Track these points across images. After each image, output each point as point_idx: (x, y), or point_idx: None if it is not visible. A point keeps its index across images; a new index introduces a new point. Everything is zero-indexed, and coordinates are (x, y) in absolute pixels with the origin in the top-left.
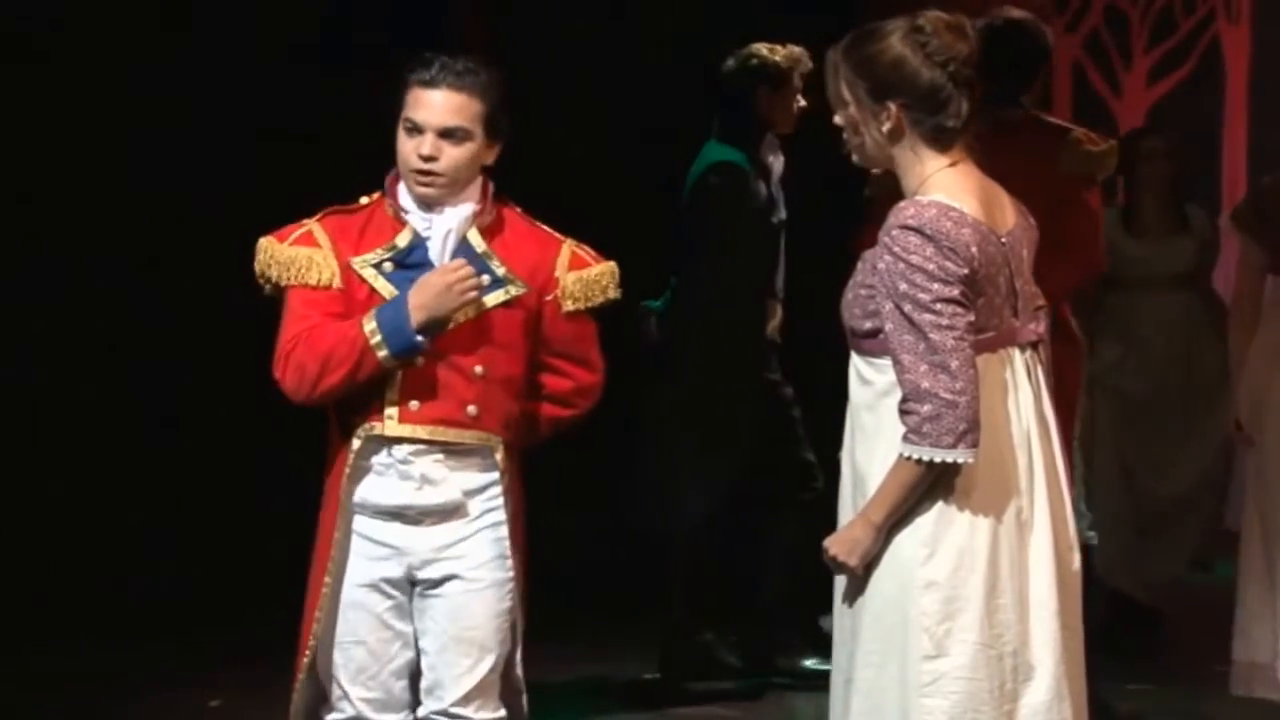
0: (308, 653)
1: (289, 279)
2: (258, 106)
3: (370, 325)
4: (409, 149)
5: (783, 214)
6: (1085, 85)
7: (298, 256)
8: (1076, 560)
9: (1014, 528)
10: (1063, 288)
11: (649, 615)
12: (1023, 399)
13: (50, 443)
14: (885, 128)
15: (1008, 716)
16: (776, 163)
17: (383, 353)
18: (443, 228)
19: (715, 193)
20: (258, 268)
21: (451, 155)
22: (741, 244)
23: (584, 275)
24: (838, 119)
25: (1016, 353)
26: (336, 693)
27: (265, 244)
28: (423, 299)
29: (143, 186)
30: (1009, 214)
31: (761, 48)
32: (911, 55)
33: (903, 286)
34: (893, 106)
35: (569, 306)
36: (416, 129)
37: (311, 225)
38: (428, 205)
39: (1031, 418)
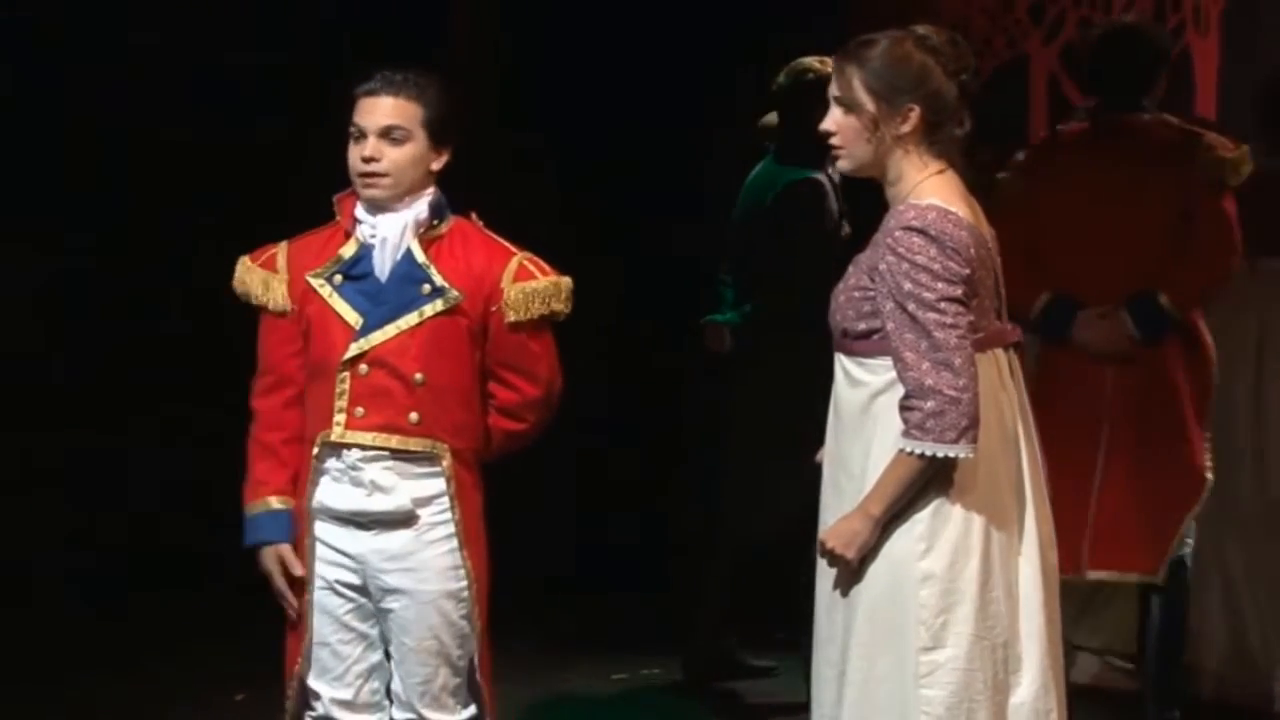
0: (300, 662)
1: (252, 299)
2: None
3: (251, 510)
4: (354, 154)
5: (847, 227)
6: (1061, 97)
7: (256, 280)
8: (1054, 555)
9: (1004, 522)
10: (1186, 294)
11: (672, 616)
12: (1011, 397)
13: (70, 442)
14: (904, 129)
15: (999, 706)
16: (835, 174)
17: (247, 514)
18: (383, 236)
19: (805, 206)
20: (234, 284)
21: (392, 156)
22: (823, 254)
23: (526, 287)
24: (830, 124)
25: (1002, 353)
26: (311, 693)
27: (240, 263)
28: (263, 560)
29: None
30: (983, 220)
31: (813, 61)
32: (933, 63)
33: (907, 286)
34: (917, 108)
35: (510, 318)
36: (360, 133)
37: (279, 248)
38: (375, 210)
39: (1017, 416)
